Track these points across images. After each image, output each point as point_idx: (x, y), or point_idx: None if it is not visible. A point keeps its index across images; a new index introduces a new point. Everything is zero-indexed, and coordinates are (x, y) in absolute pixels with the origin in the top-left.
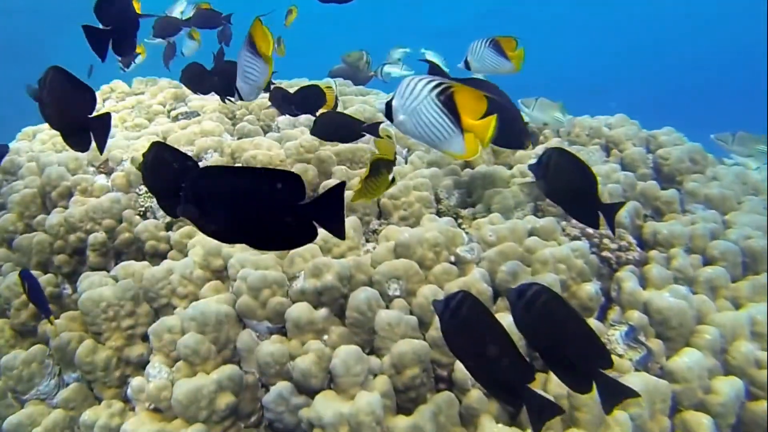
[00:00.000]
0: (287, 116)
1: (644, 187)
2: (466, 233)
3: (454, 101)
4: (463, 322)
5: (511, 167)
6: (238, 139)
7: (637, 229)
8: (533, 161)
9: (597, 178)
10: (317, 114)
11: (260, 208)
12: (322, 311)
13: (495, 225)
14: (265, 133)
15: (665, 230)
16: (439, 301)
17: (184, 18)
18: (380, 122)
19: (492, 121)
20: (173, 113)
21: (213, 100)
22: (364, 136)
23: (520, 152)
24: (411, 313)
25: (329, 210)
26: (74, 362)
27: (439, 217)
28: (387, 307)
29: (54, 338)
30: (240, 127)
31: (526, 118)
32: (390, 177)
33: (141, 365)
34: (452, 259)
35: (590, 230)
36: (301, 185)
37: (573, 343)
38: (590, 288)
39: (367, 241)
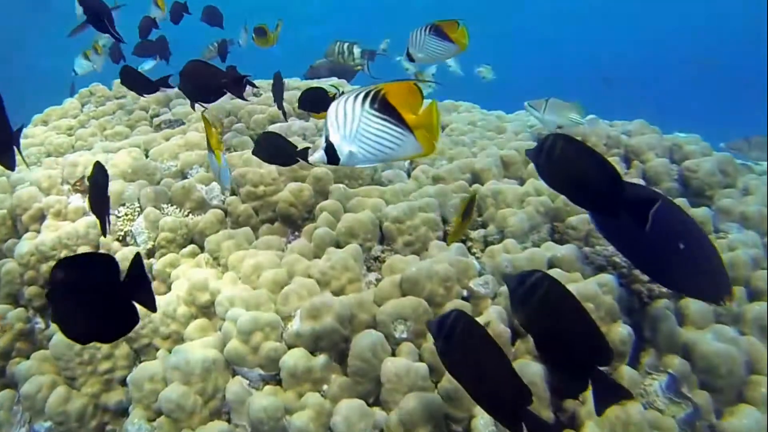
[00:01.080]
0: (280, 124)
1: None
2: (478, 261)
3: (390, 103)
4: (458, 343)
5: (523, 182)
6: (226, 150)
7: None
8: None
9: (616, 171)
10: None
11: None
12: (321, 358)
13: (511, 254)
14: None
15: None
16: (432, 321)
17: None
18: (307, 147)
19: (433, 106)
20: (156, 120)
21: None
22: (298, 161)
23: (532, 168)
24: (420, 359)
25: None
26: (45, 412)
27: (447, 239)
28: (393, 353)
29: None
30: (228, 138)
31: (537, 123)
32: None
33: (120, 412)
34: (465, 293)
35: (617, 259)
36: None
37: (573, 337)
38: (622, 331)
39: (369, 270)
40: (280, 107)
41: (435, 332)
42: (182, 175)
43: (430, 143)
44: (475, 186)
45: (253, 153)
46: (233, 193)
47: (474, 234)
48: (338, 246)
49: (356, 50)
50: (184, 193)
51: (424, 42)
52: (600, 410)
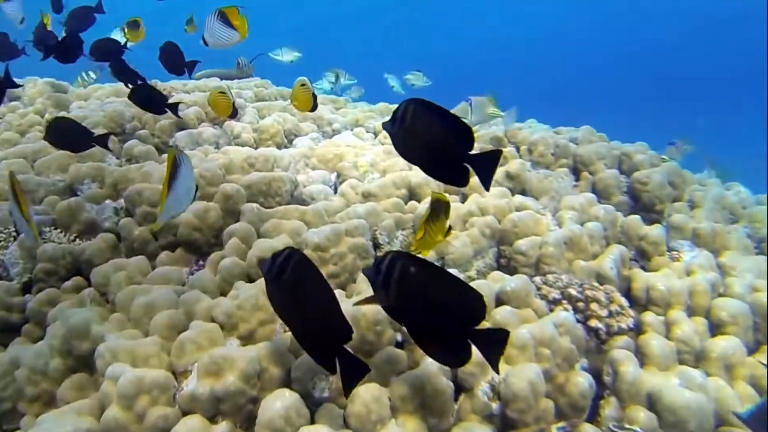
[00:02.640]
0: (189, 132)
1: (626, 224)
2: None
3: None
4: (288, 281)
5: (464, 198)
6: (126, 161)
7: (625, 281)
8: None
9: (470, 127)
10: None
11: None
12: (222, 427)
13: None
14: (160, 153)
15: (661, 286)
16: (265, 260)
17: None
18: (108, 134)
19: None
20: None
21: (99, 109)
22: (94, 146)
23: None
24: (346, 426)
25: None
26: None
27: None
28: (312, 418)
29: None
30: (129, 146)
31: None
32: (447, 224)
33: None
34: (399, 337)
35: (572, 291)
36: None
37: (443, 308)
38: (582, 381)
39: None
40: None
41: (265, 271)
42: (71, 191)
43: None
44: (411, 204)
45: (44, 138)
46: (128, 213)
47: None
48: (249, 279)
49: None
50: (71, 213)
51: (213, 28)
52: (496, 364)
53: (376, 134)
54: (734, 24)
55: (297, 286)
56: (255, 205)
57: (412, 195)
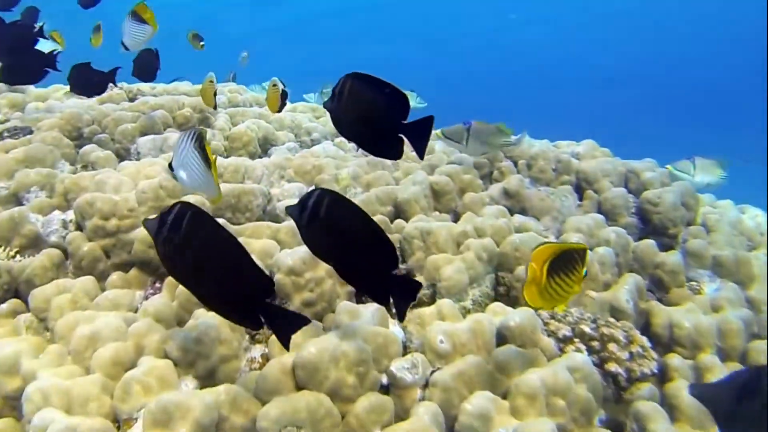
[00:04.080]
0: (152, 137)
1: (640, 250)
2: (403, 329)
3: (204, 143)
4: (185, 239)
5: (457, 216)
6: (81, 168)
7: (642, 316)
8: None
9: (405, 96)
10: None
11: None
12: None
13: (447, 323)
14: (120, 159)
15: (687, 324)
16: (152, 220)
17: None
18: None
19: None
20: (0, 128)
21: (57, 111)
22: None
23: (470, 198)
24: None
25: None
26: None
27: (364, 294)
28: None
29: None
30: (85, 151)
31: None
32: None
33: None
34: (384, 380)
35: (584, 327)
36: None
37: (364, 249)
38: None
39: (253, 339)
40: None
41: (154, 232)
42: (16, 200)
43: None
44: (398, 223)
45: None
46: (78, 227)
47: None
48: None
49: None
50: (12, 225)
51: (128, 28)
52: (402, 316)
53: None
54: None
55: (196, 244)
56: (222, 220)
57: (399, 212)
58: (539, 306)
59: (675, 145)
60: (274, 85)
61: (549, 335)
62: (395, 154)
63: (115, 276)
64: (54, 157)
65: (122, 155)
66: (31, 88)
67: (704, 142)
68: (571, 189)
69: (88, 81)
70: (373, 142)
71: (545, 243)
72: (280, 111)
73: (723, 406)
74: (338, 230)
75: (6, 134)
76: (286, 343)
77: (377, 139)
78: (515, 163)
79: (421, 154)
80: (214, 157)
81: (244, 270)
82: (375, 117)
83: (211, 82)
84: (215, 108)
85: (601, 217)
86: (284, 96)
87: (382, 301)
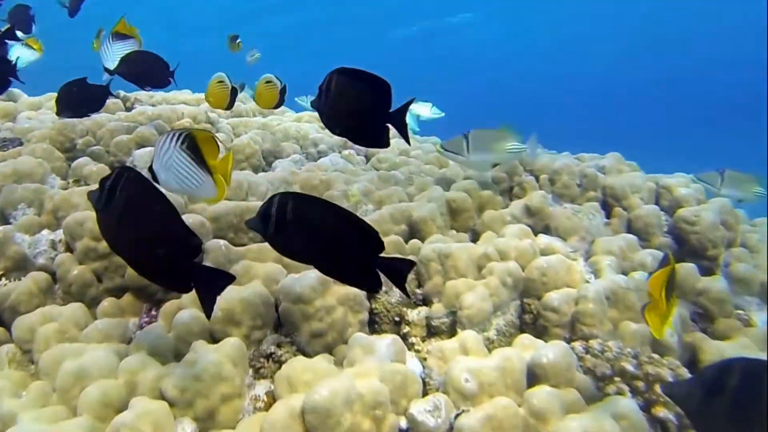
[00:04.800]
0: (150, 149)
1: (680, 275)
2: (420, 361)
3: (198, 146)
4: (119, 207)
5: (476, 236)
6: (73, 183)
7: (687, 350)
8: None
9: (388, 85)
10: None
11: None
12: None
13: (472, 359)
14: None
15: None
16: (94, 191)
17: None
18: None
19: (229, 155)
20: None
21: (48, 120)
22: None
23: (489, 217)
24: None
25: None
26: None
27: (376, 323)
28: None
29: None
30: (78, 165)
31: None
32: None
33: None
34: (403, 424)
35: (625, 365)
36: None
37: (342, 240)
38: None
39: (258, 373)
40: None
41: (95, 202)
42: (2, 217)
43: (222, 188)
44: (413, 243)
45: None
46: (68, 248)
47: (412, 314)
48: (212, 339)
49: None
50: None
51: (113, 50)
52: (402, 284)
53: (368, 158)
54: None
55: (129, 207)
56: (223, 242)
57: (414, 231)
58: (662, 332)
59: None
60: (268, 82)
61: (585, 373)
62: (383, 143)
63: (106, 303)
64: (43, 171)
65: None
66: (23, 95)
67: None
68: (598, 206)
69: (84, 99)
70: (362, 134)
71: (659, 270)
72: (278, 107)
73: (693, 402)
74: (312, 229)
75: None
76: (210, 306)
77: (365, 130)
78: (537, 178)
79: (406, 139)
80: (229, 152)
81: (174, 232)
82: (361, 109)
83: (221, 82)
84: (230, 108)
85: (633, 237)
86: (283, 92)
87: (375, 289)
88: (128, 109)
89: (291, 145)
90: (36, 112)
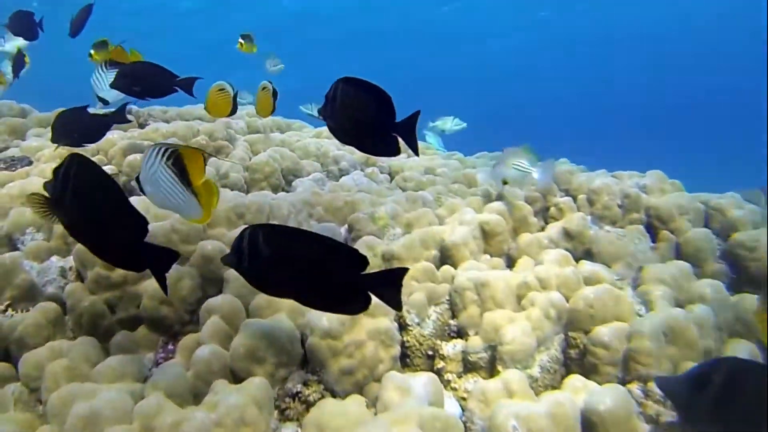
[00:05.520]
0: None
1: (743, 309)
2: (458, 400)
3: (183, 163)
4: (75, 191)
5: (511, 261)
6: None
7: None
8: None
9: (388, 98)
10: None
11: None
12: None
13: (518, 403)
14: (129, 195)
15: None
16: (49, 181)
17: None
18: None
19: (210, 183)
20: None
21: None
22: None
23: (525, 240)
24: None
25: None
26: None
27: (408, 357)
28: None
29: None
30: None
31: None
32: None
33: None
34: None
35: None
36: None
37: (322, 264)
38: None
39: (283, 415)
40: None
41: (50, 191)
42: (9, 242)
43: (207, 211)
44: (446, 270)
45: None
46: (79, 276)
47: (447, 348)
48: (234, 378)
49: None
50: (3, 273)
51: (106, 79)
52: (398, 305)
53: (391, 176)
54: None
55: (82, 194)
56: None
57: (445, 257)
58: None
59: None
60: (221, 90)
61: (648, 422)
62: (392, 151)
63: (120, 336)
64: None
65: (131, 190)
66: (34, 111)
67: None
68: (643, 229)
69: (82, 129)
70: (370, 143)
71: None
72: (231, 116)
73: (681, 396)
74: (286, 259)
75: (2, 165)
76: (164, 282)
77: (373, 139)
78: (574, 198)
79: (415, 150)
80: (212, 181)
81: (124, 213)
82: (368, 118)
83: (222, 90)
84: (232, 115)
85: (687, 266)
86: (275, 96)
87: (363, 308)
88: (141, 126)
89: (311, 162)
90: (46, 128)
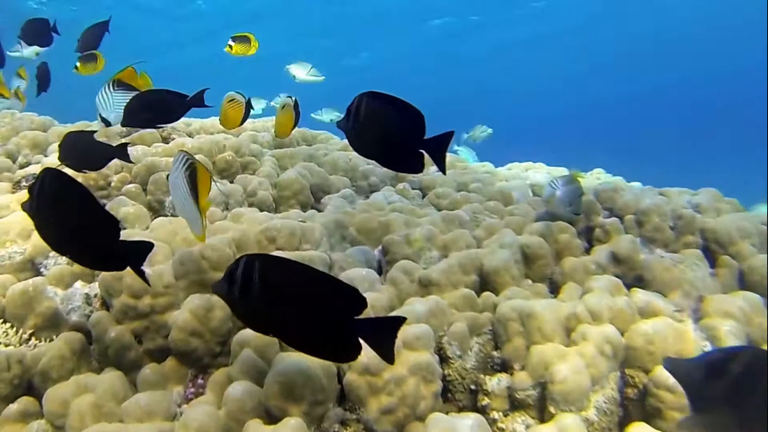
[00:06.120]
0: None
1: None
2: None
3: (196, 178)
4: (50, 204)
5: (554, 287)
6: None
7: None
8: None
9: (421, 113)
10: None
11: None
12: None
13: None
14: (154, 214)
15: None
16: (26, 201)
17: None
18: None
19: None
20: (19, 174)
21: None
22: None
23: (570, 265)
24: None
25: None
26: None
27: (449, 391)
28: None
29: None
30: (112, 206)
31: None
32: None
33: None
34: None
35: None
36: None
37: (316, 303)
38: None
39: None
40: None
41: (28, 210)
42: (32, 266)
43: (205, 231)
44: (487, 297)
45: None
46: (104, 303)
47: (491, 383)
48: (268, 416)
49: None
50: (26, 300)
51: (113, 100)
52: (391, 358)
53: (423, 191)
54: None
55: (56, 204)
56: None
57: (485, 283)
58: None
59: None
60: (231, 100)
61: None
62: (417, 168)
63: (148, 370)
64: None
65: (156, 209)
66: (55, 123)
67: None
68: (701, 254)
69: (86, 156)
70: (395, 160)
71: None
72: (242, 125)
73: (693, 382)
74: (279, 297)
75: (24, 182)
76: (143, 274)
77: (398, 156)
78: (620, 219)
79: (442, 169)
80: (208, 201)
81: (96, 216)
82: (395, 134)
83: (233, 101)
84: (242, 124)
85: (757, 297)
86: (248, 108)
87: (352, 358)
88: (164, 140)
89: (340, 178)
90: None
